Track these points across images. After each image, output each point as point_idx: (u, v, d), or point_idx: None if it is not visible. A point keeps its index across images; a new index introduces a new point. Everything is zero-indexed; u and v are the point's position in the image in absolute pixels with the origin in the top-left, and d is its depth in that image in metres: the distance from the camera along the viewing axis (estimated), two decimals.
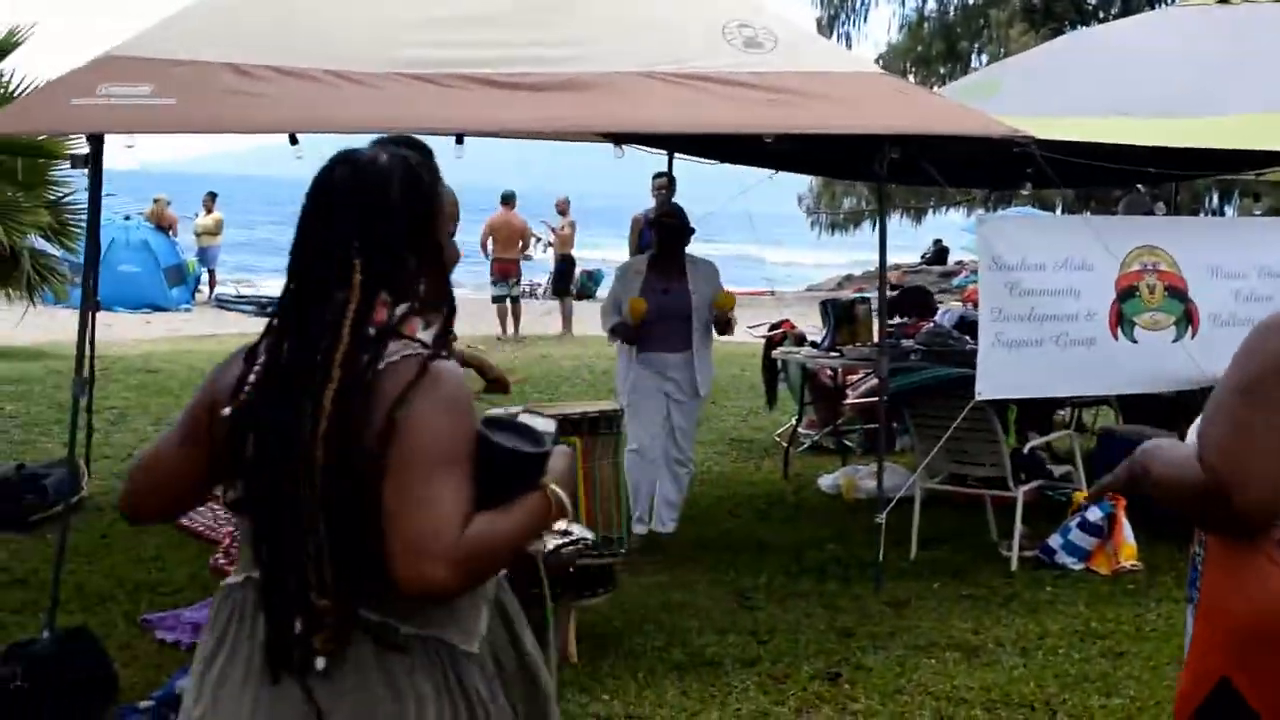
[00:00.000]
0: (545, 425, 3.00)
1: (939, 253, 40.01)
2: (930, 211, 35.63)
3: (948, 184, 9.77)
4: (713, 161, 11.40)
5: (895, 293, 13.69)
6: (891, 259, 35.09)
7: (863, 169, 8.80)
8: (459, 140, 8.27)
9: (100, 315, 24.84)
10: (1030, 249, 8.79)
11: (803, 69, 8.48)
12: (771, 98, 8.14)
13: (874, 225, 34.12)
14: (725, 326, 9.83)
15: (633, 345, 9.50)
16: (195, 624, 7.57)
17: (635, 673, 7.07)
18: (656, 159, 11.97)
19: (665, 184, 14.36)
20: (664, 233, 9.77)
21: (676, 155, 11.59)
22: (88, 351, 8.29)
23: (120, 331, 22.72)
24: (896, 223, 35.75)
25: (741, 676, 7.07)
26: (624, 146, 10.61)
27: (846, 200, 37.10)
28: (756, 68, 8.32)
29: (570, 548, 5.77)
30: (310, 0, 8.35)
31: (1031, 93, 10.93)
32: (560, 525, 5.95)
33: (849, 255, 47.50)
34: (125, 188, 23.30)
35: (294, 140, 7.78)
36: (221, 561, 8.83)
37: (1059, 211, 31.32)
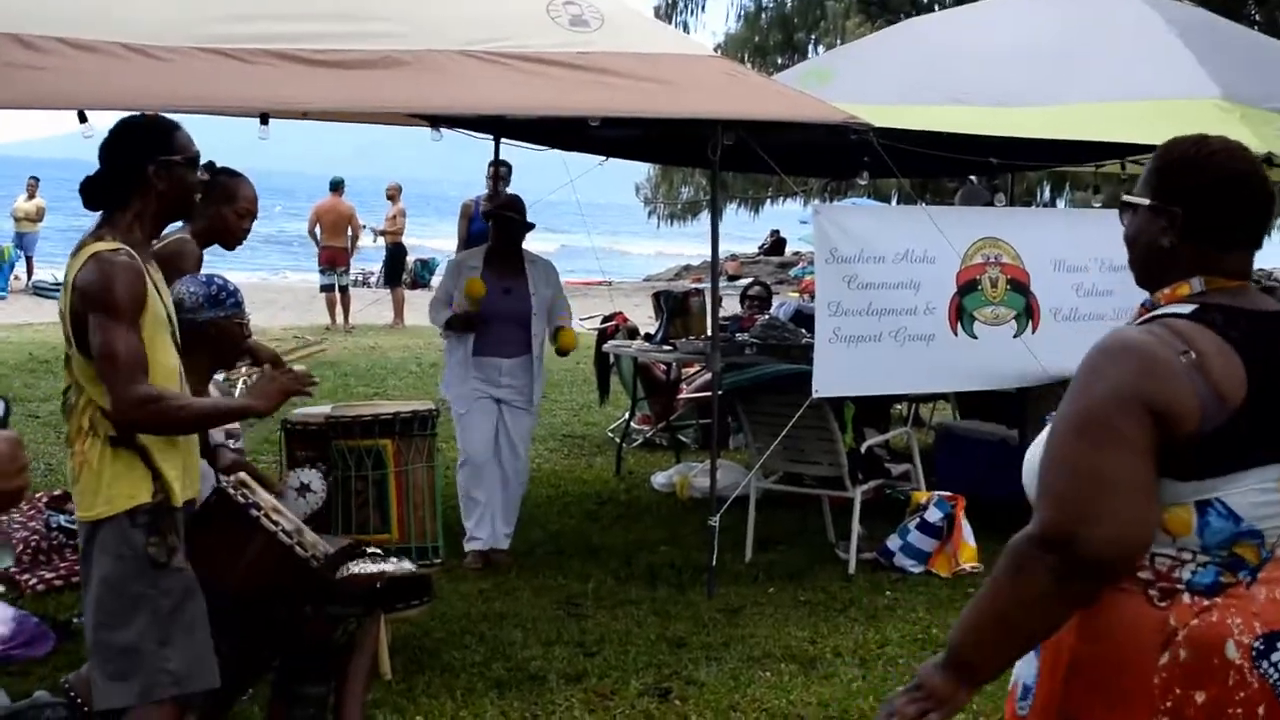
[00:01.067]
0: None
1: (776, 243, 40.05)
2: (768, 202, 35.62)
3: (784, 172, 9.41)
4: (541, 148, 10.94)
5: (751, 285, 13.40)
6: (729, 249, 35.12)
7: (696, 155, 8.42)
8: (263, 120, 7.75)
9: None
10: (869, 240, 8.46)
11: (631, 49, 8.06)
12: (596, 79, 7.71)
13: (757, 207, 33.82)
14: (562, 355, 9.45)
15: (470, 333, 8.87)
16: None
17: (453, 690, 6.64)
18: (489, 144, 11.43)
19: (501, 172, 13.88)
20: (503, 227, 9.12)
21: (505, 140, 11.09)
22: None
23: None
24: (734, 213, 35.67)
25: (566, 693, 6.66)
26: (447, 130, 10.13)
27: (684, 190, 36.78)
28: (582, 47, 7.88)
29: (369, 567, 5.35)
30: None
31: (865, 81, 10.62)
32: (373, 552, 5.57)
33: (687, 246, 47.48)
34: None
35: (83, 118, 7.19)
36: (13, 570, 8.28)
37: (895, 202, 31.36)
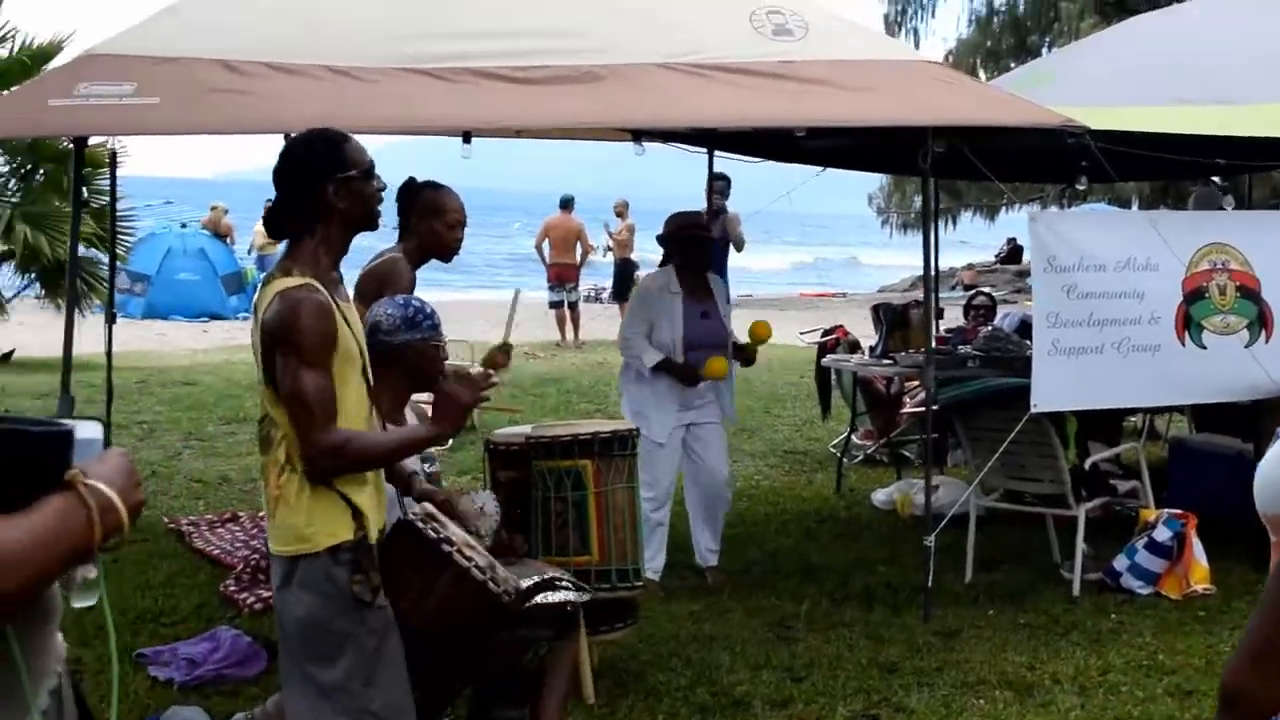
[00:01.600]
0: (88, 429, 2.22)
1: (1013, 251, 39.23)
2: (1004, 209, 34.91)
3: (1000, 178, 9.12)
4: (756, 159, 10.81)
5: (974, 295, 13.07)
6: (965, 258, 34.55)
7: (911, 164, 8.19)
8: (466, 139, 7.76)
9: (157, 324, 24.90)
10: (1088, 249, 8.14)
11: (836, 57, 7.88)
12: (800, 88, 7.56)
13: (948, 224, 33.56)
14: (750, 360, 9.09)
15: (692, 386, 8.60)
16: (191, 659, 7.11)
17: (655, 714, 6.53)
18: (717, 158, 11.28)
19: (718, 186, 13.77)
20: (696, 246, 8.78)
21: (719, 153, 10.98)
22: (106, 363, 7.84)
23: (175, 341, 22.52)
24: (969, 220, 35.07)
25: (770, 719, 6.48)
26: (664, 145, 10.07)
27: (917, 198, 36.34)
28: (785, 56, 7.75)
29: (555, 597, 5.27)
30: None
31: (1087, 82, 10.28)
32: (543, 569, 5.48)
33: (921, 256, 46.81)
34: (192, 196, 23.27)
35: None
36: (232, 589, 8.39)
37: (1135, 207, 30.50)
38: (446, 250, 6.57)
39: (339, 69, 7.22)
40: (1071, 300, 8.07)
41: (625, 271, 25.10)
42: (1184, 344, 8.34)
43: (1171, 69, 10.06)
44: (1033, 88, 9.91)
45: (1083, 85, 10.10)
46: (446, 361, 5.46)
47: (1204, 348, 8.37)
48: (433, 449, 5.67)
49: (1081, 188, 11.65)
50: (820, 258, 59.99)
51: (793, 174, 11.12)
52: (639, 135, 9.22)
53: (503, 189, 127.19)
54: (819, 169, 11.01)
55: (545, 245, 23.28)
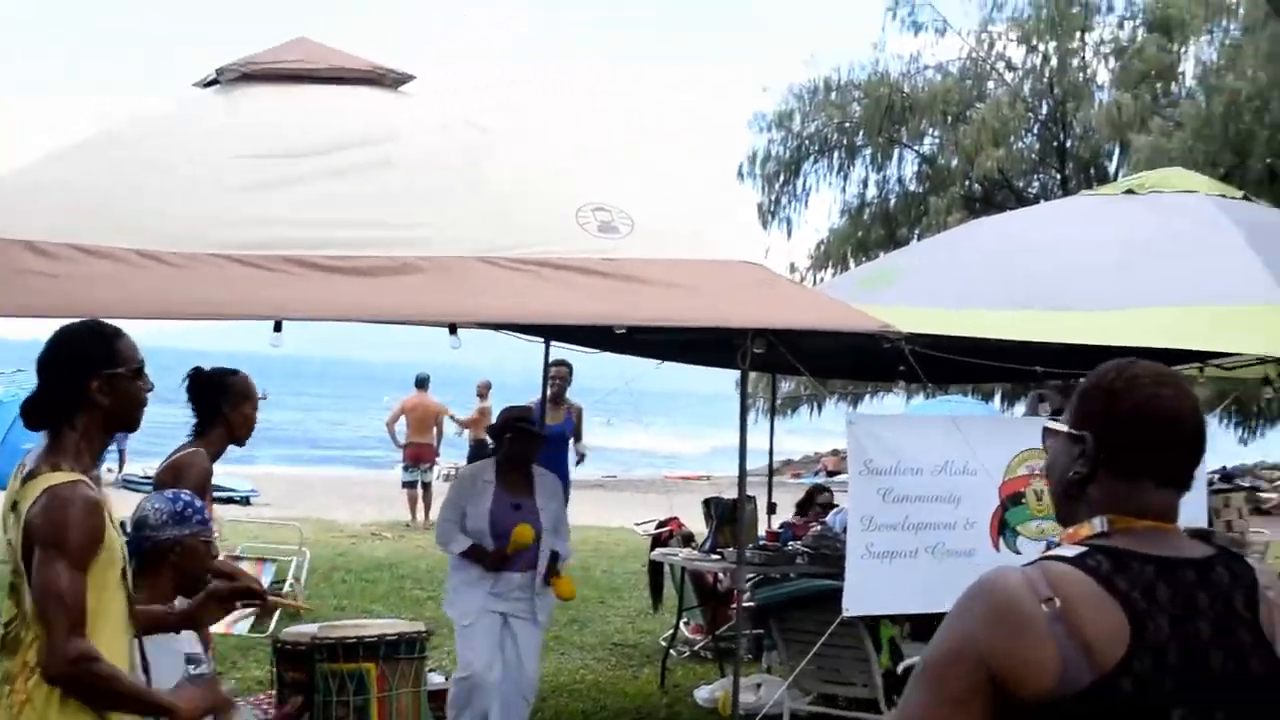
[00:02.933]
0: None
1: None
2: (867, 396, 35.29)
3: (824, 375, 9.17)
4: (593, 350, 10.80)
5: (811, 489, 13.07)
6: (828, 444, 34.57)
7: (734, 358, 8.21)
8: (277, 327, 7.65)
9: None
10: (906, 452, 8.18)
11: (660, 256, 7.90)
12: (621, 286, 7.54)
13: (813, 410, 33.78)
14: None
15: (497, 574, 8.56)
16: None
17: None
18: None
19: (564, 373, 13.76)
20: (523, 439, 8.82)
21: (555, 343, 10.97)
22: None
23: None
24: (833, 406, 35.33)
25: None
26: (500, 333, 10.02)
27: (784, 384, 36.64)
28: (610, 254, 7.74)
29: None
30: (117, 173, 7.71)
31: (929, 282, 10.40)
32: None
33: (788, 440, 47.16)
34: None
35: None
36: None
37: (997, 401, 30.90)
38: (249, 433, 6.55)
39: (149, 253, 7.09)
40: (887, 504, 8.10)
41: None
42: (999, 549, 8.37)
43: (1011, 273, 10.19)
44: (875, 286, 10.02)
45: (923, 285, 10.21)
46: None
47: (1019, 553, 8.39)
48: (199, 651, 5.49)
49: (897, 393, 11.76)
50: (689, 438, 60.27)
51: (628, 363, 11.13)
52: (454, 326, 9.16)
53: (376, 360, 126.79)
54: (657, 362, 11.00)
55: (399, 424, 23.08)
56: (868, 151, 36.55)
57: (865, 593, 8.02)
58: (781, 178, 36.73)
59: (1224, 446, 28.65)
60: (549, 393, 12.99)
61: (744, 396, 8.61)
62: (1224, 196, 10.85)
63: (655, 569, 12.44)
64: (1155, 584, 2.50)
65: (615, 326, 8.00)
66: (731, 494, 10.45)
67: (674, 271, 7.84)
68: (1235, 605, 2.56)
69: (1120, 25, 35.89)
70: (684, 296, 7.73)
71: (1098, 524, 2.59)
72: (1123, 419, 2.61)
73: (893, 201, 36.99)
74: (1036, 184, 36.66)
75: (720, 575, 11.80)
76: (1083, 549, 2.53)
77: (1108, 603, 2.45)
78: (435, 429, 23.11)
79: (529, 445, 8.82)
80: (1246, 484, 35.09)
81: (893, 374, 9.44)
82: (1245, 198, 11.37)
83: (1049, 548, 2.66)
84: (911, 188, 36.93)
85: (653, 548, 12.39)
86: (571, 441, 14.48)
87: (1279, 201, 24.86)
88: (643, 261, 7.77)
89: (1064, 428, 2.70)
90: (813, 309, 8.12)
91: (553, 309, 7.67)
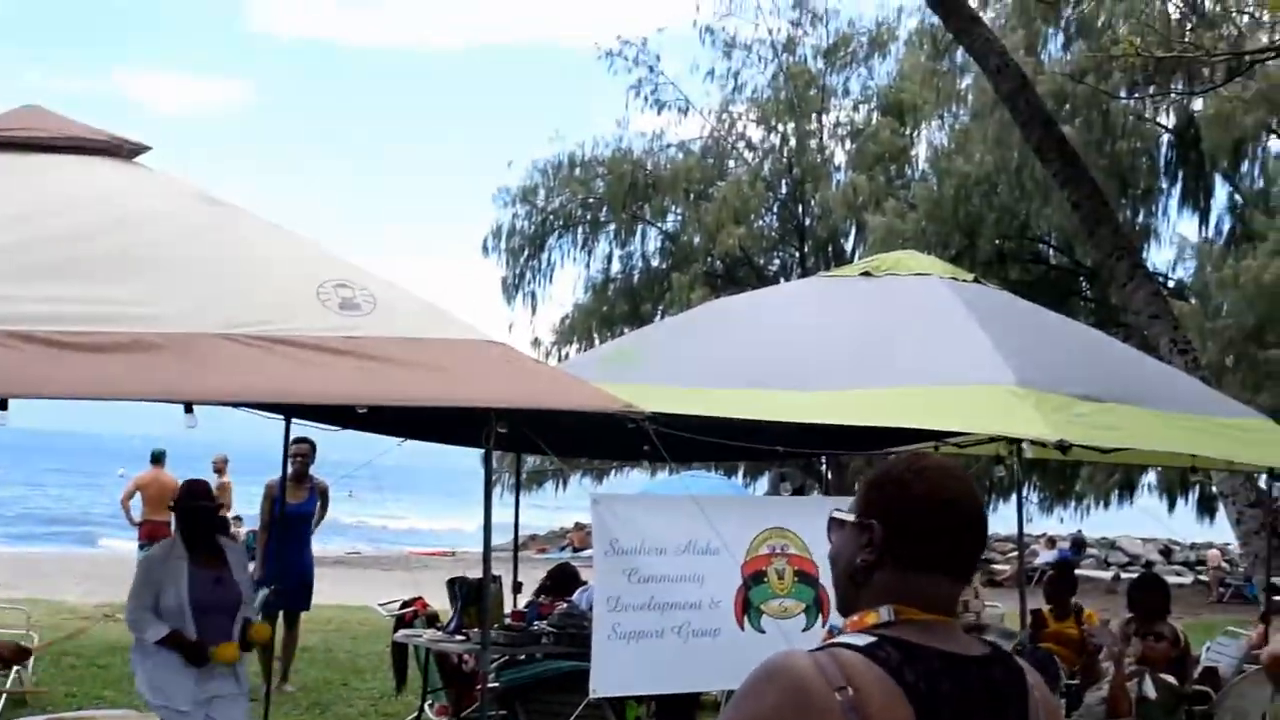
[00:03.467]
0: None
1: None
2: (613, 472, 35.44)
3: (569, 454, 9.16)
4: (334, 428, 10.60)
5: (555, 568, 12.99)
6: (575, 519, 34.43)
7: (478, 437, 8.15)
8: (2, 405, 7.35)
9: None
10: (650, 532, 8.20)
11: (403, 334, 7.80)
12: (363, 365, 7.42)
13: (559, 485, 33.74)
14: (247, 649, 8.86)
15: (200, 666, 8.29)
16: None
17: None
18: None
19: (306, 450, 13.58)
20: (194, 517, 8.67)
21: (296, 420, 10.74)
22: None
23: None
24: (578, 482, 35.40)
25: None
26: (240, 409, 9.76)
27: (530, 459, 36.60)
28: (352, 331, 7.61)
29: None
30: None
31: (668, 361, 10.47)
32: None
33: (534, 516, 47.11)
34: None
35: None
36: None
37: (740, 476, 31.28)
38: None
39: None
40: (633, 584, 8.09)
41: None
42: (743, 628, 8.42)
43: (751, 352, 10.31)
44: (619, 364, 10.05)
45: (665, 364, 10.28)
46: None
47: (763, 631, 8.47)
48: None
49: (640, 472, 11.82)
50: (436, 514, 59.89)
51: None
52: (190, 405, 8.91)
53: (108, 432, 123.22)
54: (399, 440, 10.85)
55: (135, 501, 22.41)
56: (612, 227, 37.01)
57: (612, 673, 7.99)
58: (526, 252, 36.95)
59: None
60: (291, 470, 12.74)
61: (488, 476, 8.52)
62: (956, 279, 11.15)
63: (399, 650, 12.24)
64: (940, 679, 2.52)
65: (357, 406, 7.88)
66: (478, 571, 10.35)
67: (417, 350, 7.75)
68: (1010, 705, 2.61)
69: (855, 108, 37.07)
70: (427, 376, 7.64)
71: (884, 613, 2.60)
72: (912, 509, 2.64)
73: (636, 277, 37.43)
74: (777, 261, 37.50)
75: (465, 656, 11.66)
76: (872, 638, 2.54)
77: (896, 695, 2.46)
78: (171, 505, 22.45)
79: (204, 520, 8.66)
80: (982, 555, 36.24)
81: (637, 452, 9.49)
82: (976, 280, 11.71)
83: (832, 634, 2.67)
84: (655, 264, 37.45)
85: (396, 628, 12.20)
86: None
87: (1007, 281, 25.94)
88: (385, 340, 7.67)
89: (850, 517, 2.72)
90: (556, 389, 8.09)
91: (292, 388, 7.51)
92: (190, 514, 8.72)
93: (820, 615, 8.63)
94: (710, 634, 8.29)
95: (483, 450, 8.16)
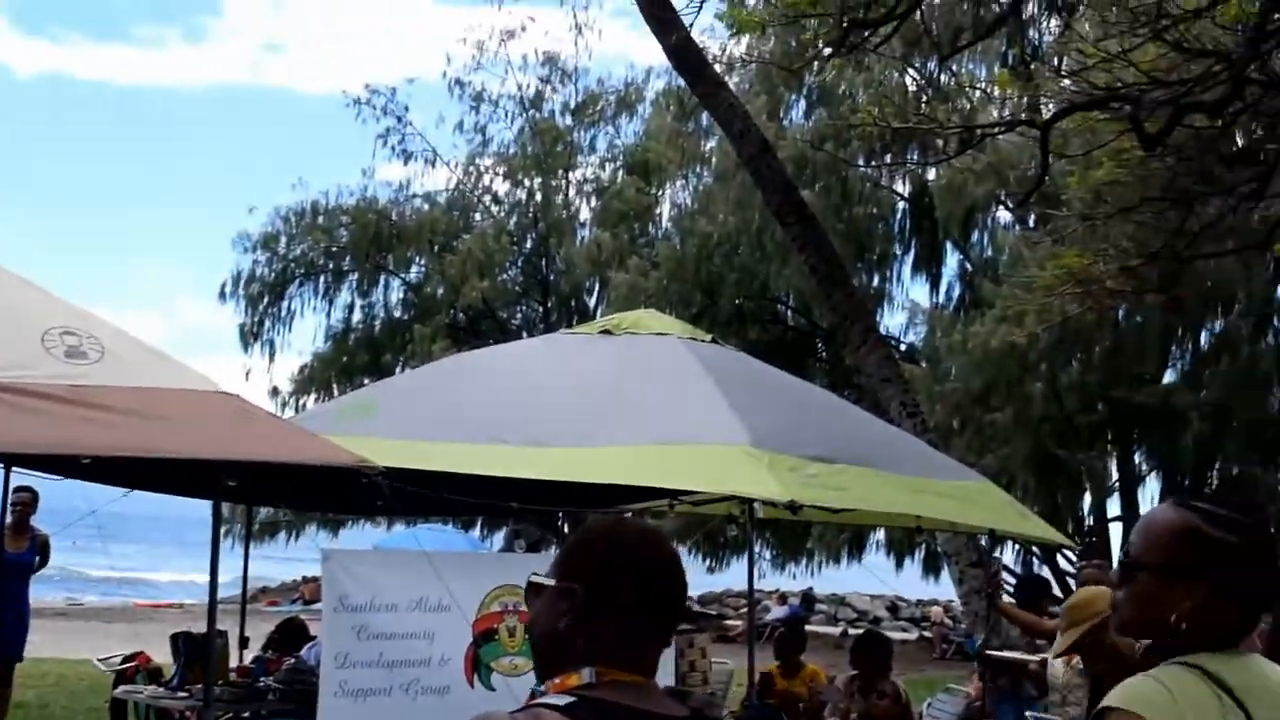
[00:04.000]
0: None
1: None
2: (349, 523, 34.99)
3: (303, 508, 9.04)
4: (56, 477, 10.27)
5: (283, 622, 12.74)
6: (306, 571, 33.75)
7: (209, 488, 8.00)
8: None
9: None
10: (381, 588, 8.14)
11: (132, 383, 7.63)
12: (89, 414, 7.24)
13: (293, 536, 33.02)
14: None
15: None
16: None
17: None
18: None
19: (27, 499, 13.17)
20: None
21: (16, 469, 10.40)
22: None
23: None
24: (314, 533, 34.82)
25: None
26: None
27: (263, 510, 35.93)
28: (79, 380, 7.42)
29: None
30: None
31: (409, 414, 10.39)
32: None
33: (269, 568, 46.28)
34: None
35: None
36: None
37: (477, 530, 31.16)
38: None
39: None
40: (362, 640, 8.01)
41: None
42: (473, 685, 8.38)
43: (489, 408, 10.28)
44: (356, 417, 9.94)
45: (403, 418, 10.19)
46: None
47: (493, 689, 8.44)
48: None
49: (379, 525, 11.73)
50: (163, 564, 58.45)
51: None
52: None
53: None
54: (125, 490, 10.56)
55: None
56: (354, 277, 36.64)
57: None
58: (266, 300, 36.32)
59: (694, 577, 29.71)
60: (11, 520, 12.31)
61: (216, 529, 8.35)
62: (694, 339, 11.30)
63: (118, 707, 11.87)
64: None
65: (81, 456, 7.67)
66: (205, 624, 10.12)
67: (145, 400, 7.59)
68: None
69: (602, 166, 37.34)
70: (154, 426, 7.49)
71: (586, 675, 2.59)
72: (612, 572, 2.65)
73: (378, 328, 37.07)
74: (520, 315, 37.53)
75: (188, 713, 11.38)
76: (572, 698, 2.53)
77: None
78: None
79: None
80: (714, 611, 36.69)
81: (372, 506, 9.41)
82: (714, 340, 11.89)
83: (534, 696, 2.67)
84: (397, 314, 37.17)
85: (116, 684, 11.85)
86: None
87: (746, 341, 26.40)
88: (113, 389, 7.50)
89: (550, 581, 2.70)
90: (289, 443, 7.99)
91: (13, 436, 7.29)
92: None
93: None
94: (439, 691, 8.23)
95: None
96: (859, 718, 9.63)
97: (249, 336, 36.47)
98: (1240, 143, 15.50)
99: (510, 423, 10.02)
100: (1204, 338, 28.05)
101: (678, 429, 9.95)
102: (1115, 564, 3.18)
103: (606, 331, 11.51)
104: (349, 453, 7.77)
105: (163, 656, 12.40)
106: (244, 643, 11.72)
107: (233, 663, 11.20)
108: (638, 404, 10.33)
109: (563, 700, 2.53)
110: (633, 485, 9.95)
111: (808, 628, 23.20)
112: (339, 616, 8.01)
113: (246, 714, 9.49)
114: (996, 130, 18.28)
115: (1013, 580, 20.27)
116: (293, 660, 10.75)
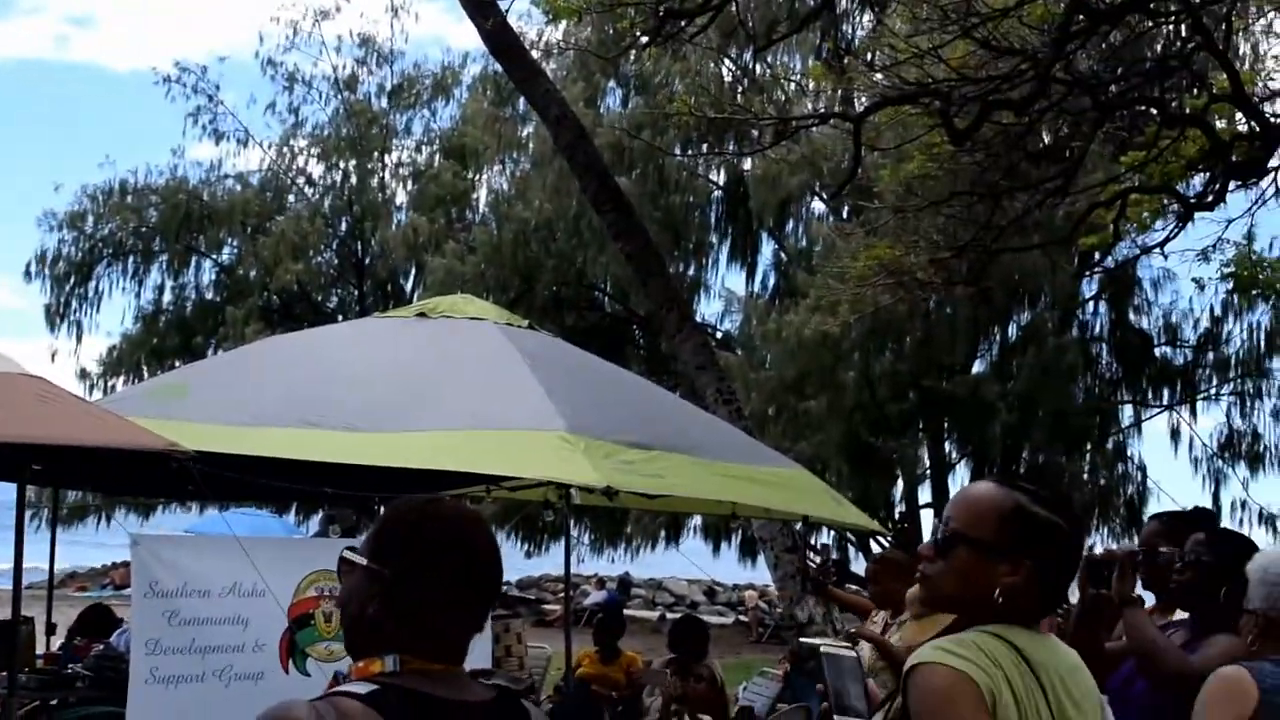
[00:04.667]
0: None
1: None
2: (160, 508, 34.35)
3: (115, 492, 8.92)
4: None
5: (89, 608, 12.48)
6: (117, 556, 33.04)
7: (9, 472, 7.84)
8: None
9: None
10: (193, 574, 8.02)
11: None
12: None
13: (99, 521, 32.32)
14: None
15: None
16: None
17: None
18: None
19: None
20: None
21: None
22: None
23: None
24: (122, 518, 34.11)
25: None
26: None
27: (71, 494, 35.11)
28: None
29: None
30: None
31: (221, 397, 10.22)
32: None
33: (77, 554, 45.29)
34: None
35: None
36: None
37: (292, 515, 30.79)
38: None
39: None
40: (174, 626, 7.91)
41: None
42: (288, 671, 8.32)
43: (303, 392, 10.15)
44: (167, 399, 9.77)
45: (215, 401, 10.03)
46: None
47: (308, 675, 8.37)
48: None
49: (189, 510, 11.58)
50: None
51: None
52: None
53: None
54: None
55: None
56: (165, 257, 36.00)
57: (151, 718, 7.77)
58: (72, 279, 35.52)
59: (512, 562, 29.71)
60: None
61: (21, 515, 8.19)
62: (511, 325, 11.29)
63: None
64: None
65: None
66: (8, 611, 9.90)
67: None
68: None
69: (418, 149, 37.10)
70: None
71: (389, 663, 2.59)
72: (422, 554, 2.63)
73: (189, 309, 36.47)
74: (335, 299, 37.15)
75: None
76: (375, 686, 2.53)
77: None
78: None
79: None
80: (533, 596, 36.71)
81: (183, 490, 9.28)
82: (531, 326, 11.89)
83: (337, 679, 2.66)
84: (209, 297, 36.59)
85: None
86: None
87: (564, 327, 26.43)
88: None
89: (362, 560, 2.67)
90: (96, 426, 7.84)
91: None
92: None
93: None
94: (254, 677, 8.15)
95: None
96: (676, 700, 9.74)
97: (55, 317, 35.68)
98: (1046, 140, 15.95)
99: (324, 406, 9.90)
100: (1011, 330, 28.71)
101: (493, 414, 9.93)
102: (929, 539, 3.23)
103: (422, 315, 11.44)
104: (158, 436, 7.66)
105: None
106: (51, 629, 11.48)
107: (40, 650, 10.97)
108: (453, 389, 10.28)
109: (364, 688, 2.54)
110: (449, 471, 9.91)
111: (626, 612, 23.37)
112: (149, 602, 7.89)
113: (54, 701, 9.29)
114: (811, 122, 18.56)
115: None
116: (102, 647, 10.56)
